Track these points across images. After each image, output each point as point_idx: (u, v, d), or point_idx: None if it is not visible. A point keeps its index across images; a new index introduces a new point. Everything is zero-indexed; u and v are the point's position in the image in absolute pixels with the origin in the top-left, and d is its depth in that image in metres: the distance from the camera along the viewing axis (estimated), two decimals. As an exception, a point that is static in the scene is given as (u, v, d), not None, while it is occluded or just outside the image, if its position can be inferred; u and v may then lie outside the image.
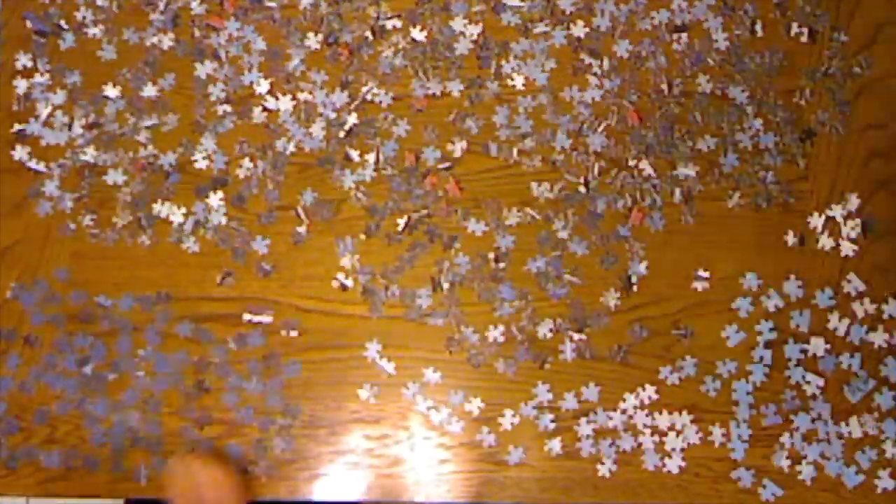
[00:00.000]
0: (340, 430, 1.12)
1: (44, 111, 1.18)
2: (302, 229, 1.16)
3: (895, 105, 1.16)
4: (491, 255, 1.13)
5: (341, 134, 1.17)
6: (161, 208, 1.16)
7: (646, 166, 1.14)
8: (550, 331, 1.11)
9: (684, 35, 1.16)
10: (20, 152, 1.18)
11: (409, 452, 1.12)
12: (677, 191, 1.14)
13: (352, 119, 1.17)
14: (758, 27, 1.17)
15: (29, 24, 1.21)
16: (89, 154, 1.17)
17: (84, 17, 1.20)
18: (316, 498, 1.12)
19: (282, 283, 1.15)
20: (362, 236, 1.15)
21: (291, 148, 1.17)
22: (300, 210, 1.16)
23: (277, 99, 1.17)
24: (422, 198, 1.15)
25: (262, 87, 1.18)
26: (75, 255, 1.17)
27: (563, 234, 1.13)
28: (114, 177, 1.17)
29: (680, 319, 1.12)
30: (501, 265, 1.14)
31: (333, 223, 1.16)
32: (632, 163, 1.14)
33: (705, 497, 1.09)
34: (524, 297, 1.12)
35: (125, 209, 1.16)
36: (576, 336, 1.11)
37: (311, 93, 1.17)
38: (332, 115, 1.17)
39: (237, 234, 1.16)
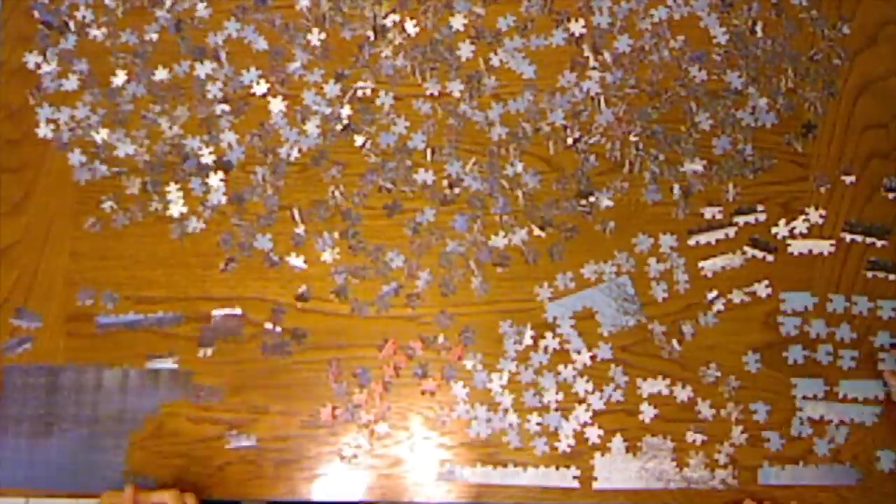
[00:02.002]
0: (340, 431, 1.13)
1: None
2: (300, 230, 1.16)
3: (895, 105, 1.16)
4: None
5: (338, 127, 1.17)
6: (171, 188, 1.16)
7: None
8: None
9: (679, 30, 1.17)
10: (44, 129, 1.19)
11: (408, 452, 1.12)
12: (676, 187, 1.14)
13: (345, 111, 1.17)
14: (758, 27, 1.17)
15: (36, 13, 1.21)
16: (103, 133, 1.18)
17: (84, 17, 1.20)
18: (316, 498, 1.12)
19: (281, 283, 1.15)
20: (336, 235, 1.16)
21: (295, 154, 1.17)
22: (295, 212, 1.16)
23: (269, 101, 1.18)
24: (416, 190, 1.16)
25: (261, 87, 1.18)
26: (75, 255, 1.17)
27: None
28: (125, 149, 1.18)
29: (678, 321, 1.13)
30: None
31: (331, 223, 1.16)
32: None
33: (705, 498, 1.10)
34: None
35: (137, 186, 1.17)
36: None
37: (309, 88, 1.18)
38: (328, 111, 1.17)
39: (240, 229, 1.16)
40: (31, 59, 1.20)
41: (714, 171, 1.15)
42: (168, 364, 1.13)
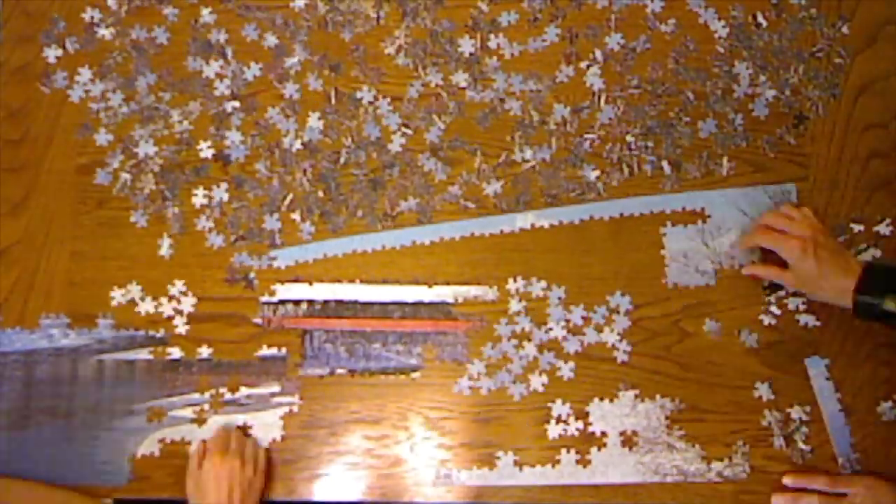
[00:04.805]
0: (340, 431, 1.13)
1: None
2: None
3: (895, 105, 1.16)
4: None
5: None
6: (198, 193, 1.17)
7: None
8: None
9: (673, 21, 1.17)
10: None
11: (408, 452, 1.12)
12: (665, 164, 1.15)
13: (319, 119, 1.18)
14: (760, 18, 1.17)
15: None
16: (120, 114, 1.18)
17: (92, 18, 1.21)
18: (316, 498, 1.12)
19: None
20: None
21: (298, 145, 1.17)
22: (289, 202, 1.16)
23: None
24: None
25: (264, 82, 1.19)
26: (75, 255, 1.17)
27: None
28: (144, 149, 1.18)
29: (681, 319, 1.13)
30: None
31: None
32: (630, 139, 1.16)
33: (704, 497, 1.10)
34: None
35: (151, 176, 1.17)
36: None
37: (296, 81, 1.18)
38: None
39: (247, 216, 1.16)
40: (51, 53, 1.20)
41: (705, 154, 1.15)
42: (143, 355, 1.14)
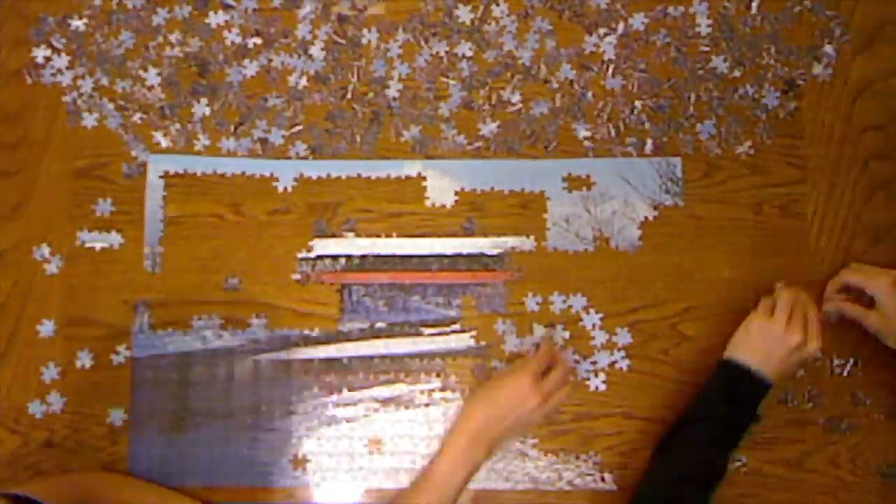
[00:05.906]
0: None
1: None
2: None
3: (895, 106, 1.16)
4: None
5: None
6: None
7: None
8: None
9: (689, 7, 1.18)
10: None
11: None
12: (650, 142, 1.15)
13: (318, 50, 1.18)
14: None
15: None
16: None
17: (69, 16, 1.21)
18: (316, 499, 1.12)
19: (279, 289, 1.15)
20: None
21: (304, 82, 1.17)
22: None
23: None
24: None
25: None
26: (72, 259, 1.16)
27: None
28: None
29: (678, 323, 1.13)
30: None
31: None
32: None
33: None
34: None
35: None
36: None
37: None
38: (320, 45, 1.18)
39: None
40: (39, 53, 1.20)
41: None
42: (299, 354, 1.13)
